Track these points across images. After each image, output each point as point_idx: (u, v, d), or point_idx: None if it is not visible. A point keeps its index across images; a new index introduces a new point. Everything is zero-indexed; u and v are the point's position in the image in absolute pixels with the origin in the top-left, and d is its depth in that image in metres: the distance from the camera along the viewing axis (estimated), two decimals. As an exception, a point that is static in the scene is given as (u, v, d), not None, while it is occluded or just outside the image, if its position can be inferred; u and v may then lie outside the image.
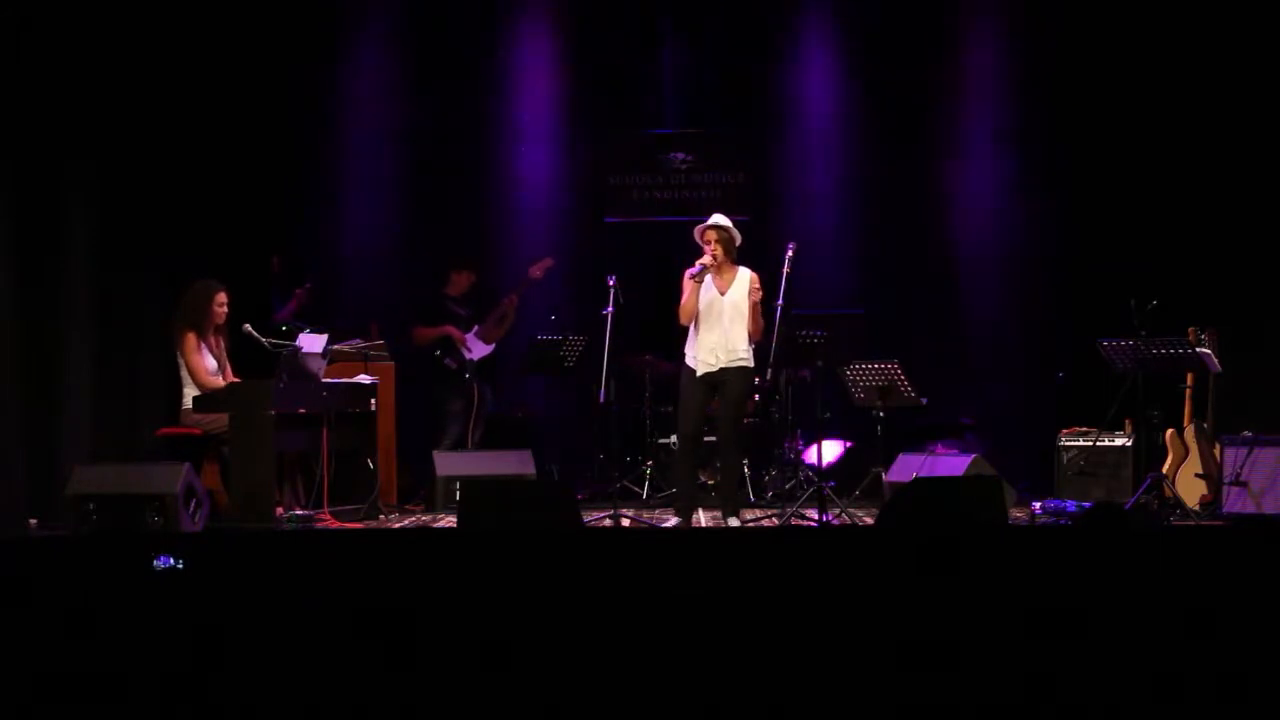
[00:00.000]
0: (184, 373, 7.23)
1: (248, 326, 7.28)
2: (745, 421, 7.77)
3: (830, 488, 7.27)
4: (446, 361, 8.75)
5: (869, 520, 7.23)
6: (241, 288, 7.64)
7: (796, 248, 7.02)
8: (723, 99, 9.84)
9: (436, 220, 9.64)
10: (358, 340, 8.04)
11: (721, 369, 6.99)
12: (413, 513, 8.06)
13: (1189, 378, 7.38)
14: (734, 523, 6.97)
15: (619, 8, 9.77)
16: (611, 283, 7.12)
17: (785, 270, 6.95)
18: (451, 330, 8.76)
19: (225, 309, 7.34)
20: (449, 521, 7.49)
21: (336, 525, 6.99)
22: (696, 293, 7.00)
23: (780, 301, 6.91)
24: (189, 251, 7.75)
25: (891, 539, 5.14)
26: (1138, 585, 4.41)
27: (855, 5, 9.63)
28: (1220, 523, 6.86)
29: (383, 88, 9.59)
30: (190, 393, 7.19)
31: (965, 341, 9.36)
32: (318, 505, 7.12)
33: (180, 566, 4.60)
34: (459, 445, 8.64)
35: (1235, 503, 6.89)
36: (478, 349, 8.82)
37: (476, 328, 8.84)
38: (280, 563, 4.85)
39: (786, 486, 8.20)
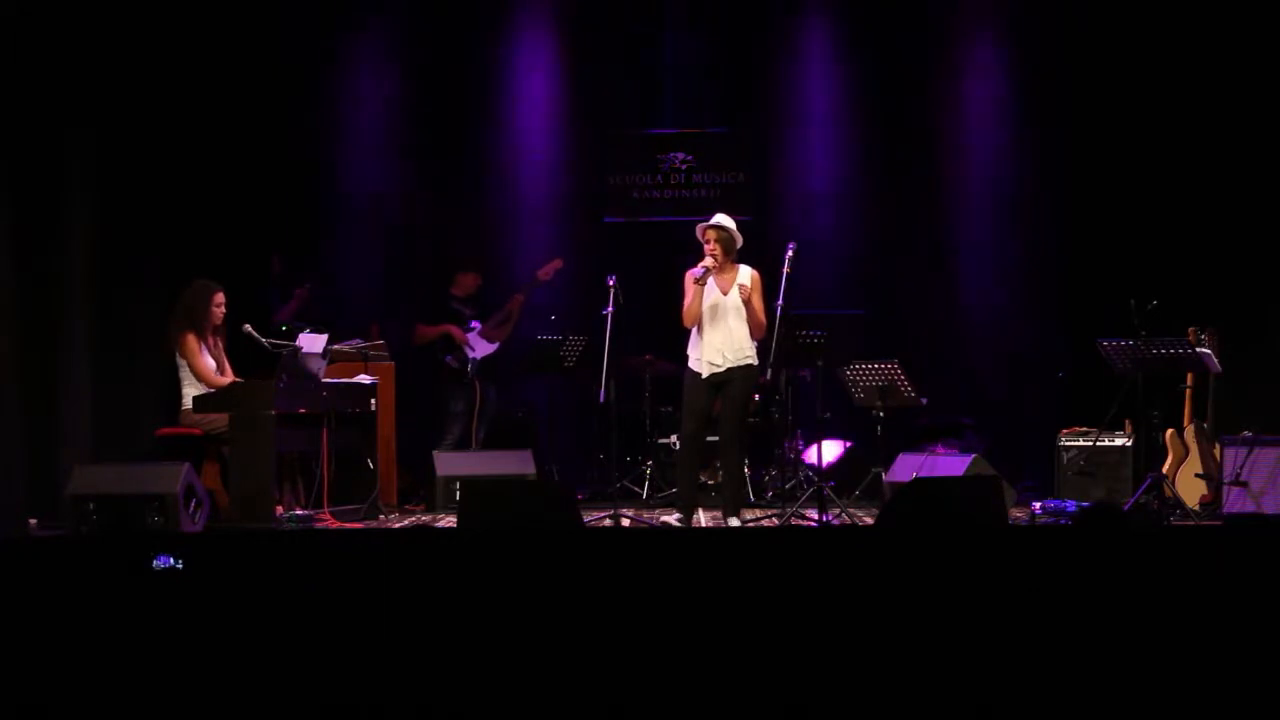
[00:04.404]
0: (183, 373, 7.22)
1: (248, 326, 7.28)
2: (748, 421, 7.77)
3: (830, 488, 7.27)
4: (448, 360, 8.74)
5: (869, 520, 7.23)
6: (241, 288, 7.64)
7: (796, 248, 7.03)
8: (723, 99, 9.85)
9: (436, 220, 9.64)
10: (358, 340, 8.04)
11: (728, 369, 6.99)
12: (413, 513, 8.06)
13: (1189, 378, 7.38)
14: (734, 523, 6.97)
15: (619, 7, 9.77)
16: (611, 283, 7.13)
17: (785, 270, 6.95)
18: (452, 329, 8.76)
19: (223, 309, 7.33)
20: (449, 521, 7.49)
21: (336, 525, 6.99)
22: (700, 296, 6.99)
23: (780, 301, 6.91)
24: (189, 252, 7.74)
25: (891, 539, 5.14)
26: (1137, 585, 4.41)
27: (855, 4, 9.63)
28: (1220, 523, 6.85)
29: (382, 87, 9.60)
30: (190, 393, 7.19)
31: (965, 341, 9.36)
32: (318, 505, 7.13)
33: (180, 566, 4.60)
34: (461, 445, 8.65)
35: (1235, 503, 6.89)
36: (480, 348, 8.82)
37: (479, 326, 8.83)
38: (280, 563, 4.84)
39: (786, 486, 8.20)
